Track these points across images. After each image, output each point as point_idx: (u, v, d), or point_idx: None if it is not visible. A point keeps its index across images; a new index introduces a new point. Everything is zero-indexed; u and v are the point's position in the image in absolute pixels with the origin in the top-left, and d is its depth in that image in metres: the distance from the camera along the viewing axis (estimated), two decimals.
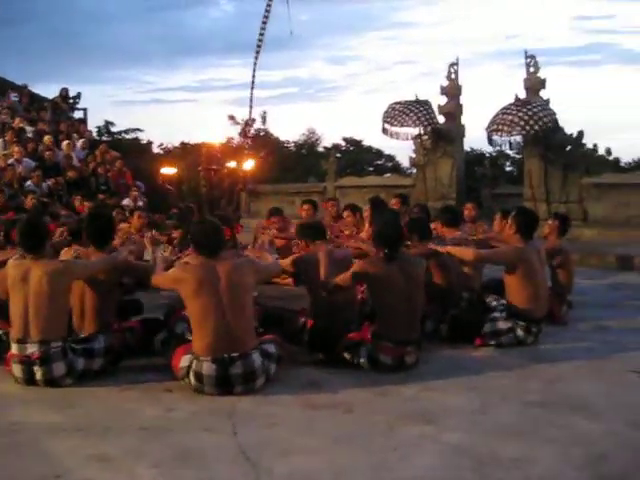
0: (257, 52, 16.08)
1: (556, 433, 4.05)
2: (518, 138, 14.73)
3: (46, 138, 17.19)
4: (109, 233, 5.91)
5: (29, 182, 14.58)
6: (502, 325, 6.06)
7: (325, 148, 35.20)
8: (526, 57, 15.73)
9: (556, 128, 14.79)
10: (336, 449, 3.87)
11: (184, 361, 4.86)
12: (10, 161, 14.97)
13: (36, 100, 21.32)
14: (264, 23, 15.89)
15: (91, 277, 5.46)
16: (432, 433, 4.06)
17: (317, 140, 37.83)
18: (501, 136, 14.50)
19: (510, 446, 3.85)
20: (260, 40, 16.00)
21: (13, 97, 19.88)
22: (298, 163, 31.24)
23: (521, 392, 4.82)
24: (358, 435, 4.06)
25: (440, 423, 4.22)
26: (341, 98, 66.93)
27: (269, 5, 15.84)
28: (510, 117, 14.24)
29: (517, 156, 23.55)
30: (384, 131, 16.03)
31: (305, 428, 4.17)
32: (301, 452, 3.81)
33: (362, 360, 5.34)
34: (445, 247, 6.37)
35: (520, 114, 14.15)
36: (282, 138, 35.34)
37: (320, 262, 5.81)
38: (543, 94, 15.56)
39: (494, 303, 6.50)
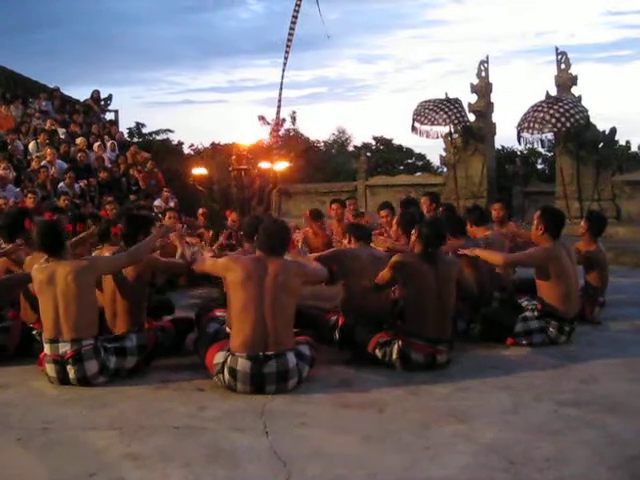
0: (287, 52, 16.09)
1: (590, 433, 4.02)
2: (549, 136, 14.63)
3: (78, 140, 17.35)
4: (143, 234, 5.93)
5: (62, 183, 14.70)
6: (534, 324, 6.02)
7: (355, 147, 35.23)
8: (557, 54, 15.63)
9: (588, 125, 14.67)
10: (368, 448, 3.87)
11: (219, 357, 4.89)
12: (43, 163, 15.12)
13: (68, 102, 21.51)
14: (293, 23, 15.89)
15: (122, 277, 5.52)
16: (464, 432, 4.05)
17: (347, 139, 37.87)
18: (532, 134, 14.39)
19: (543, 446, 3.83)
20: (289, 40, 16.02)
21: (45, 100, 20.08)
22: (328, 163, 31.23)
23: (554, 392, 4.78)
24: (390, 434, 4.06)
25: (472, 422, 4.20)
26: (371, 97, 67.02)
27: (298, 5, 15.84)
28: (541, 114, 14.13)
29: (549, 154, 23.35)
30: (414, 129, 15.97)
31: (337, 427, 4.18)
32: (333, 451, 3.81)
33: (394, 358, 5.34)
34: (474, 250, 6.34)
35: (551, 111, 14.03)
36: (312, 138, 35.36)
37: (358, 258, 5.87)
38: (574, 91, 15.45)
39: (526, 303, 6.46)
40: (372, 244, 6.61)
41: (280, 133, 26.06)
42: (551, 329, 6.00)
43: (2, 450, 3.90)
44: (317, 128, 68.00)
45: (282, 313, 4.92)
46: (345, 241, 6.37)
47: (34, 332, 5.81)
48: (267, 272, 4.94)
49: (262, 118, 30.61)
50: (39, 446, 3.95)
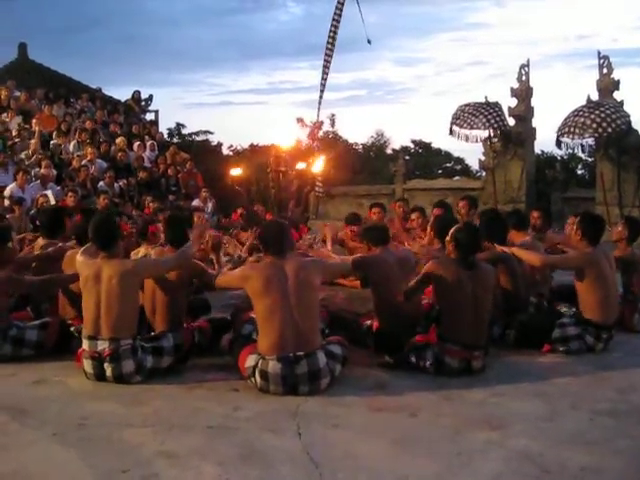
0: (328, 55, 16.03)
1: (626, 443, 3.97)
2: (590, 141, 14.46)
3: (119, 140, 17.53)
4: (185, 235, 5.97)
5: (101, 183, 14.86)
6: (571, 331, 5.96)
7: (394, 150, 35.07)
8: (599, 58, 15.43)
9: (630, 130, 14.46)
10: (400, 452, 3.86)
11: (250, 360, 4.91)
12: (84, 162, 15.30)
13: (109, 103, 21.77)
14: (335, 27, 15.83)
15: (162, 276, 5.57)
16: (498, 439, 4.02)
17: (386, 142, 37.73)
18: (573, 139, 14.23)
19: (578, 455, 3.79)
20: (330, 44, 15.97)
21: (87, 100, 20.33)
22: (366, 165, 31.18)
23: (590, 400, 4.73)
24: (423, 439, 4.05)
25: (506, 429, 4.17)
26: (410, 100, 66.80)
27: (339, 9, 15.79)
28: (582, 119, 13.96)
29: (589, 159, 23.06)
30: (452, 133, 15.89)
31: (369, 430, 4.18)
32: (365, 454, 3.81)
33: (428, 362, 5.31)
34: (511, 248, 6.30)
35: (592, 116, 13.86)
36: (350, 140, 35.32)
37: (385, 264, 5.83)
38: (616, 96, 15.24)
39: (564, 309, 6.41)
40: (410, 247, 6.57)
41: (319, 135, 26.03)
42: (588, 336, 5.93)
43: (38, 445, 3.96)
44: (356, 131, 67.93)
45: (308, 311, 4.95)
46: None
47: (72, 329, 5.88)
48: (286, 274, 4.96)
49: (300, 120, 30.68)
50: (74, 441, 4.00)
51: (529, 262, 6.29)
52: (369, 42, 16.28)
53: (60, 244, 6.66)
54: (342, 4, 15.86)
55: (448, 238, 5.57)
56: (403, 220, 9.47)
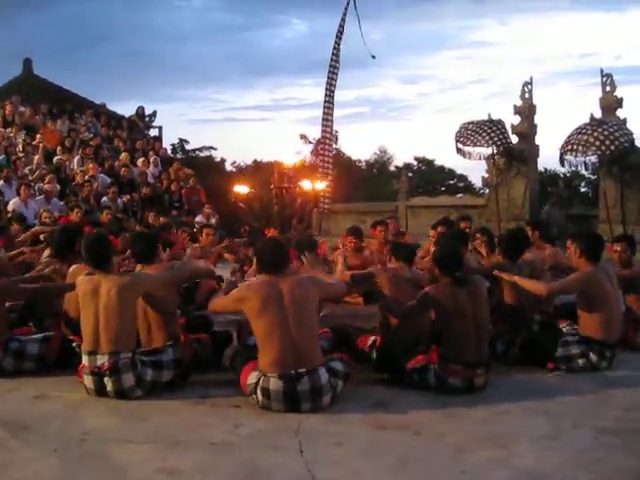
0: (332, 73, 16.04)
1: (631, 462, 3.94)
2: (593, 158, 14.45)
3: (122, 155, 17.61)
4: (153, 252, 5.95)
5: (105, 198, 14.91)
6: (575, 349, 5.93)
7: (396, 167, 35.20)
8: (602, 75, 15.47)
9: (633, 148, 14.46)
10: (404, 471, 3.83)
11: (252, 378, 4.88)
12: (87, 177, 15.33)
13: (113, 118, 21.85)
14: (336, 49, 15.84)
15: (149, 293, 5.55)
16: (502, 457, 3.99)
17: (389, 159, 37.89)
18: (576, 156, 14.23)
19: (583, 473, 3.76)
20: (334, 61, 15.98)
21: (91, 115, 20.39)
22: (369, 182, 31.25)
23: (594, 418, 4.69)
24: (426, 457, 4.02)
25: (510, 447, 4.14)
26: (413, 117, 67.01)
27: (341, 25, 15.84)
28: (585, 137, 13.95)
29: (592, 177, 23.10)
30: (459, 151, 15.89)
31: (373, 448, 4.15)
32: (368, 473, 3.79)
33: (430, 382, 5.29)
34: (512, 277, 6.28)
35: (595, 134, 13.85)
36: (354, 157, 35.43)
37: (396, 279, 5.85)
38: (620, 113, 15.28)
39: (567, 328, 6.38)
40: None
41: (332, 153, 26.12)
42: (592, 354, 5.90)
43: (39, 460, 3.94)
44: (359, 147, 68.04)
45: (307, 328, 4.92)
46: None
47: (74, 344, 5.87)
48: (282, 292, 4.93)
49: (304, 137, 30.78)
50: (75, 457, 3.98)
51: (535, 292, 6.26)
52: (373, 57, 16.30)
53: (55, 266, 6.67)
54: (344, 20, 15.91)
55: (431, 263, 5.60)
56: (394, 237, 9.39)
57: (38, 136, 17.11)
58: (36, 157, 15.80)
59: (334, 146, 29.28)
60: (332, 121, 16.18)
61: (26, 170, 15.29)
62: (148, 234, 6.63)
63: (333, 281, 5.67)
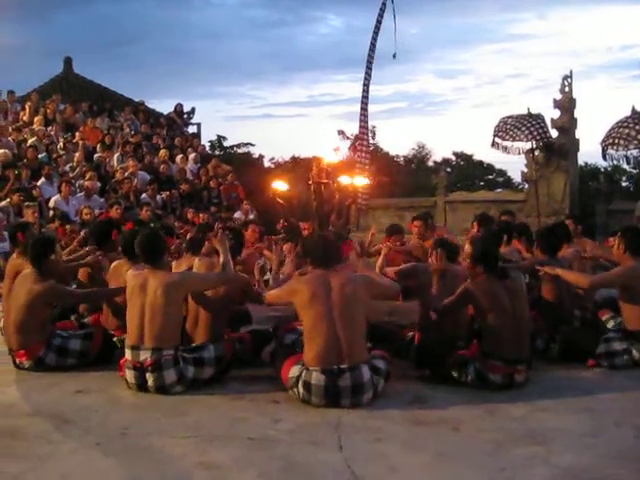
0: (368, 68, 15.99)
1: None
2: (635, 152, 14.25)
3: (161, 152, 17.71)
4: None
5: (144, 195, 15.01)
6: (617, 346, 5.86)
7: (435, 162, 35.01)
8: None
9: None
10: (442, 467, 3.83)
11: (294, 371, 4.91)
12: (127, 174, 15.47)
13: (152, 115, 22.01)
14: (373, 45, 15.78)
15: (198, 292, 5.61)
16: (542, 454, 3.96)
17: (427, 154, 37.63)
18: (617, 150, 14.04)
19: (622, 471, 3.71)
20: (371, 57, 15.93)
21: (130, 113, 20.57)
22: (407, 178, 31.11)
23: (636, 416, 4.64)
24: (465, 453, 4.00)
25: (550, 444, 4.11)
26: (451, 112, 66.52)
27: (379, 22, 15.78)
28: (627, 130, 13.76)
29: (634, 171, 22.77)
30: (494, 145, 15.75)
31: (411, 444, 4.14)
32: (407, 469, 3.78)
33: (470, 378, 5.27)
34: (555, 269, 6.22)
35: (637, 127, 13.66)
36: (392, 153, 35.28)
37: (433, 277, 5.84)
38: None
39: (611, 322, 6.31)
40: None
41: (370, 148, 26.07)
42: (635, 351, 5.83)
43: (82, 454, 4.00)
44: (397, 143, 67.83)
45: (353, 325, 4.93)
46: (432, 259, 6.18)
47: (115, 339, 5.94)
48: (331, 287, 4.97)
49: (342, 132, 30.70)
50: (117, 451, 4.03)
51: (577, 284, 6.21)
52: (394, 57, 16.24)
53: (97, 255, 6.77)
54: (381, 16, 15.84)
55: (466, 259, 5.57)
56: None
57: (78, 134, 17.27)
58: (77, 154, 15.95)
59: (372, 142, 29.32)
60: (367, 116, 16.12)
61: (67, 167, 15.44)
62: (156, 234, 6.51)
63: (387, 282, 5.67)
